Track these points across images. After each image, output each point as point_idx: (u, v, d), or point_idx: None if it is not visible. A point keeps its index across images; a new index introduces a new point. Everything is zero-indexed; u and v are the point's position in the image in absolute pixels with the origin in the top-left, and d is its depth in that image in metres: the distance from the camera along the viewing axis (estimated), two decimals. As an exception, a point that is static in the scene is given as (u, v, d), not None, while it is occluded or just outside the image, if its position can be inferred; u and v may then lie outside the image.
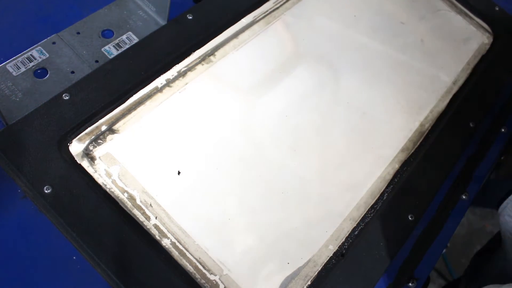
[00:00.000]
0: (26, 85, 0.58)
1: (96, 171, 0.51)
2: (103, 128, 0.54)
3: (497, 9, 0.85)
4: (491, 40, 0.82)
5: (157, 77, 0.59)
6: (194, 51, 0.62)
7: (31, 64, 0.59)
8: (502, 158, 0.75)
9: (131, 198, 0.51)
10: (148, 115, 0.57)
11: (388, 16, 0.79)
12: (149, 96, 0.58)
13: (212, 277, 0.49)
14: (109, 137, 0.54)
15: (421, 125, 0.68)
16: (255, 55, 0.66)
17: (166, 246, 0.49)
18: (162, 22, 0.68)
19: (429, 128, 0.68)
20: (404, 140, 0.66)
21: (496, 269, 0.76)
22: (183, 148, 0.56)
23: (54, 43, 0.62)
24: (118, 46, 0.64)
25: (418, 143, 0.66)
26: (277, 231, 0.54)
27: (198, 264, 0.50)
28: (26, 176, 0.48)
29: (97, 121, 0.54)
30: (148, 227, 0.50)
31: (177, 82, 0.60)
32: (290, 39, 0.70)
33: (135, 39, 0.66)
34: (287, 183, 0.57)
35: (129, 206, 0.50)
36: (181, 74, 0.61)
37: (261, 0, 0.71)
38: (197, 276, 0.49)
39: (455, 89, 0.74)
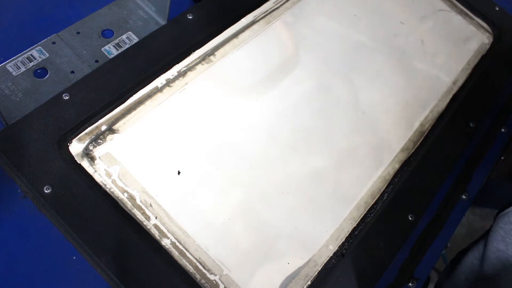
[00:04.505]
0: (26, 85, 0.58)
1: (96, 171, 0.51)
2: (103, 128, 0.54)
3: (497, 9, 0.85)
4: (491, 40, 0.82)
5: (157, 77, 0.59)
6: (194, 51, 0.62)
7: (31, 64, 0.59)
8: (502, 158, 0.75)
9: (131, 198, 0.51)
10: (148, 115, 0.57)
11: (388, 16, 0.79)
12: (149, 96, 0.58)
13: (212, 277, 0.49)
14: (109, 137, 0.54)
15: (421, 125, 0.68)
16: (255, 55, 0.66)
17: (166, 246, 0.49)
18: (162, 22, 0.68)
19: (429, 128, 0.68)
20: (404, 140, 0.66)
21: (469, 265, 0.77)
22: (183, 148, 0.56)
23: (54, 43, 0.62)
24: (118, 46, 0.64)
25: (418, 143, 0.66)
26: (277, 231, 0.54)
27: (198, 264, 0.50)
28: (26, 176, 0.48)
29: (97, 121, 0.54)
30: (148, 227, 0.50)
31: (177, 82, 0.60)
32: (290, 39, 0.70)
33: (135, 39, 0.66)
34: (287, 183, 0.57)
35: (129, 206, 0.50)
36: (181, 74, 0.61)
37: (261, 0, 0.71)
38: (197, 276, 0.49)
39: (455, 89, 0.74)
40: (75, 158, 0.51)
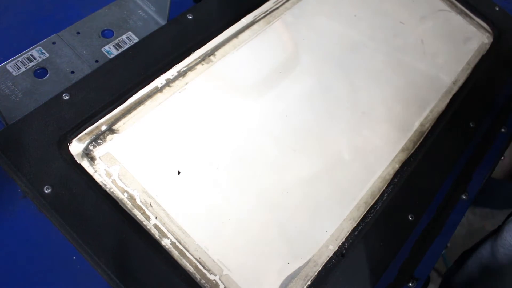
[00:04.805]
0: (26, 85, 0.58)
1: (96, 171, 0.51)
2: (103, 128, 0.54)
3: (497, 9, 0.85)
4: (491, 40, 0.82)
5: (157, 77, 0.59)
6: (194, 51, 0.62)
7: (31, 64, 0.59)
8: (502, 158, 0.75)
9: (131, 198, 0.51)
10: (148, 115, 0.57)
11: (388, 16, 0.79)
12: (149, 96, 0.58)
13: (212, 277, 0.49)
14: (109, 137, 0.54)
15: (421, 125, 0.68)
16: (255, 55, 0.66)
17: (166, 246, 0.49)
18: (162, 22, 0.68)
19: (429, 128, 0.68)
20: (404, 140, 0.66)
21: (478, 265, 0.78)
22: (183, 148, 0.56)
23: (54, 43, 0.62)
24: (118, 46, 0.64)
25: (418, 143, 0.66)
26: (277, 231, 0.54)
27: (198, 264, 0.50)
28: (26, 176, 0.48)
29: (97, 121, 0.54)
30: (148, 227, 0.50)
31: (177, 82, 0.60)
32: (290, 39, 0.70)
33: (135, 39, 0.66)
34: (287, 183, 0.57)
35: (129, 206, 0.50)
36: (181, 74, 0.61)
37: (261, 0, 0.71)
38: (197, 276, 0.49)
39: (455, 89, 0.74)
40: (75, 158, 0.51)
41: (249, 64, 0.65)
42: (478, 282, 0.76)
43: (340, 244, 0.55)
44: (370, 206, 0.59)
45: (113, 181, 0.51)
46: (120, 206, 0.50)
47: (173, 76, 0.60)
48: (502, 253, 0.70)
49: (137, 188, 0.52)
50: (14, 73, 0.58)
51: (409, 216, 0.59)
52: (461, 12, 0.84)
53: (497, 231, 0.73)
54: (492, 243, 0.73)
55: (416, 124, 0.68)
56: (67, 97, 0.53)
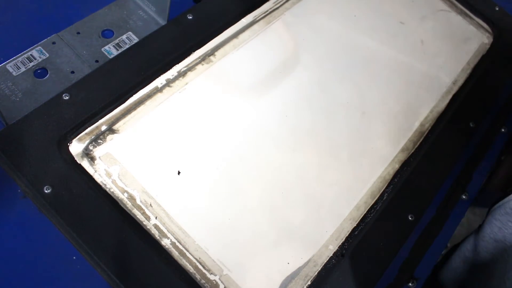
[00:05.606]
0: (26, 85, 0.58)
1: (96, 171, 0.51)
2: (103, 128, 0.54)
3: (497, 9, 0.85)
4: (491, 40, 0.82)
5: (157, 77, 0.59)
6: (194, 51, 0.62)
7: (31, 64, 0.59)
8: (502, 158, 0.75)
9: (131, 198, 0.51)
10: (148, 115, 0.57)
11: (388, 16, 0.79)
12: (149, 96, 0.58)
13: (212, 277, 0.50)
14: (109, 137, 0.54)
15: (421, 125, 0.68)
16: (255, 55, 0.66)
17: (166, 246, 0.49)
18: (162, 22, 0.68)
19: (429, 128, 0.68)
20: (404, 140, 0.66)
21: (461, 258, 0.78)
22: (183, 148, 0.56)
23: (54, 43, 0.62)
24: (118, 46, 0.64)
25: (418, 143, 0.66)
26: (277, 231, 0.54)
27: (198, 264, 0.50)
28: (26, 176, 0.48)
29: (97, 121, 0.54)
30: (148, 227, 0.50)
31: (177, 82, 0.60)
32: (290, 39, 0.70)
33: (135, 39, 0.66)
34: (287, 183, 0.57)
35: (129, 206, 0.50)
36: (181, 74, 0.61)
37: (261, 0, 0.71)
38: (197, 276, 0.49)
39: (455, 89, 0.74)
40: (75, 158, 0.51)
41: (249, 64, 0.65)
42: (462, 276, 0.77)
43: (340, 244, 0.55)
44: (370, 206, 0.59)
45: (113, 181, 0.51)
46: (120, 206, 0.50)
47: (173, 76, 0.60)
48: (482, 246, 0.70)
49: (137, 188, 0.52)
50: (14, 73, 0.58)
51: (409, 216, 0.59)
52: (461, 12, 0.84)
53: (480, 226, 0.73)
54: (474, 237, 0.74)
55: (416, 124, 0.68)
56: (67, 97, 0.53)
